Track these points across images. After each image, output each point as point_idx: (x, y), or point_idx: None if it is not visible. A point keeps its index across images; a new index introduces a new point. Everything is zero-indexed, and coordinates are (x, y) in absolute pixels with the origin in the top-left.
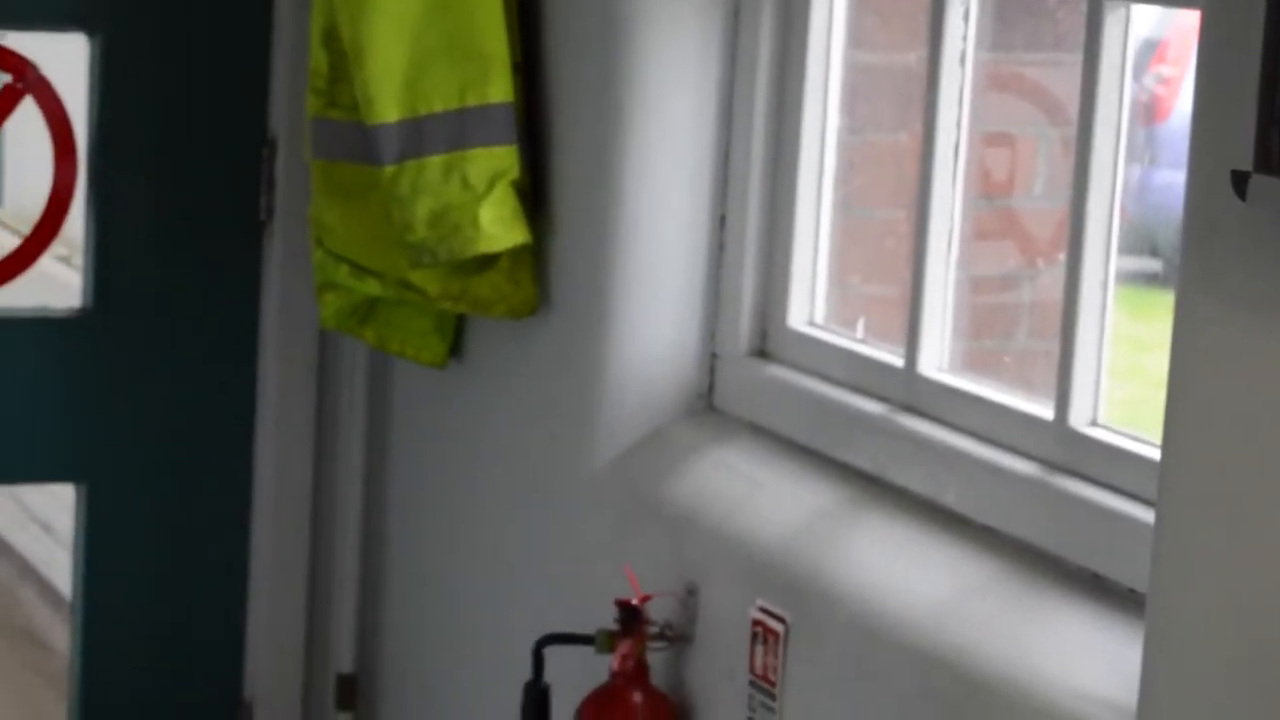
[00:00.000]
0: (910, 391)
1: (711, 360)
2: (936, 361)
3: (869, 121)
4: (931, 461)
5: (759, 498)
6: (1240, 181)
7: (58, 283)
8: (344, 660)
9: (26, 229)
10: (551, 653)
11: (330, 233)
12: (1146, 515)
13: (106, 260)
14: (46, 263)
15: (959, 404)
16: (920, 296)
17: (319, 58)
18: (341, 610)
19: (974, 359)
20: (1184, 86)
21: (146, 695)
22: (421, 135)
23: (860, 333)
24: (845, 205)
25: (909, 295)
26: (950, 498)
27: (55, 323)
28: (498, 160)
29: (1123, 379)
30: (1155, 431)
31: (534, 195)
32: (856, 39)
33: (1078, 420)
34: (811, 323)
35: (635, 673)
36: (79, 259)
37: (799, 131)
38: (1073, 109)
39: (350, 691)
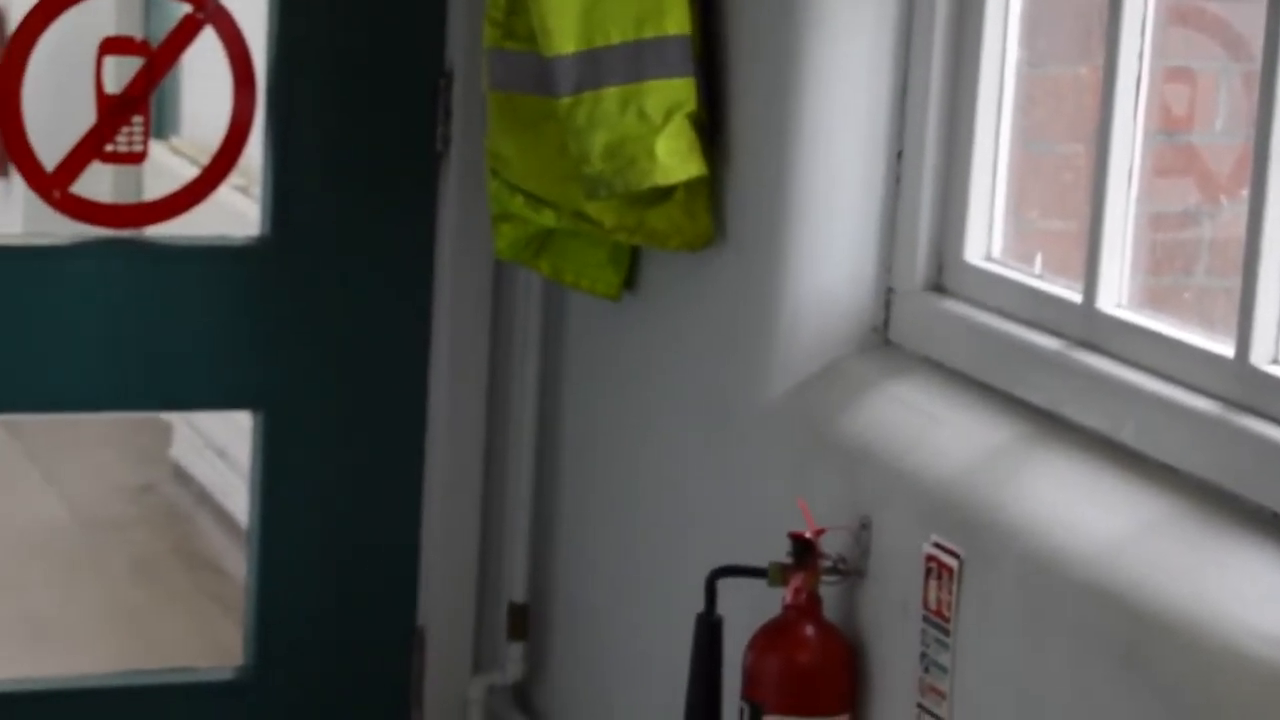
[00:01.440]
0: (1088, 327)
1: (887, 294)
2: (1115, 297)
3: (1048, 54)
4: (1109, 398)
5: (934, 433)
6: None
7: (235, 212)
8: (516, 590)
9: (204, 159)
10: (724, 585)
11: (506, 164)
12: None
13: (284, 190)
14: (224, 192)
15: (1137, 341)
16: (1099, 232)
17: None
18: (514, 540)
19: (1153, 295)
20: None
21: (320, 622)
22: (598, 67)
23: (1038, 268)
24: (1023, 139)
25: (1088, 230)
26: (1127, 435)
27: (233, 252)
28: (674, 92)
29: None
30: None
31: (710, 127)
32: None
33: (1258, 358)
34: (988, 257)
35: (808, 606)
36: (256, 189)
37: (978, 65)
38: (1255, 45)
39: (522, 621)
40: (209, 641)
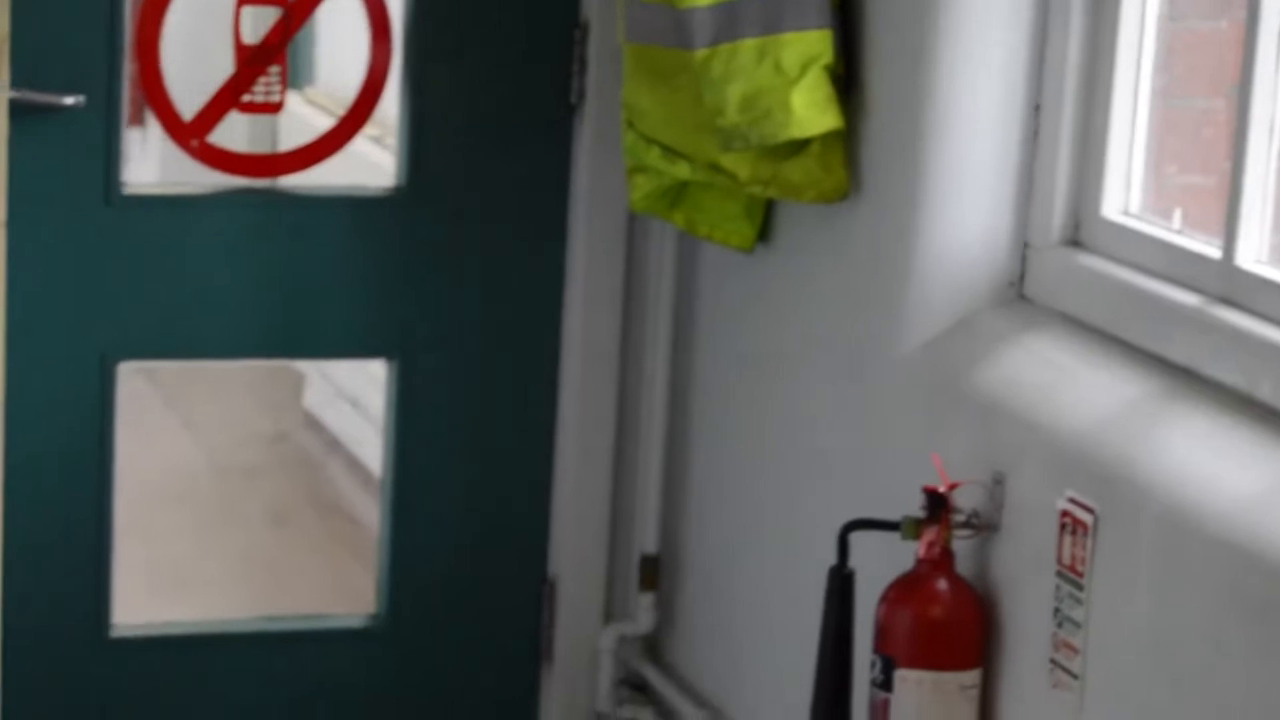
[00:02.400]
0: (1227, 284)
1: (1023, 249)
2: (1255, 253)
3: (1189, 8)
4: (1247, 355)
5: (1069, 388)
6: None
7: (370, 162)
8: (648, 541)
9: (340, 109)
10: (856, 538)
11: (642, 116)
12: None
13: (419, 141)
14: (359, 143)
15: (1277, 297)
16: (1239, 187)
17: None
18: (646, 491)
19: None
20: None
21: (452, 570)
22: (734, 19)
23: (1176, 223)
24: (1163, 93)
25: (1227, 186)
26: (1265, 392)
27: (368, 202)
28: (811, 45)
29: None
30: None
31: (846, 80)
32: None
33: None
34: (1126, 212)
35: (940, 560)
36: (391, 139)
37: (1117, 18)
38: None
39: (653, 572)
40: (341, 589)
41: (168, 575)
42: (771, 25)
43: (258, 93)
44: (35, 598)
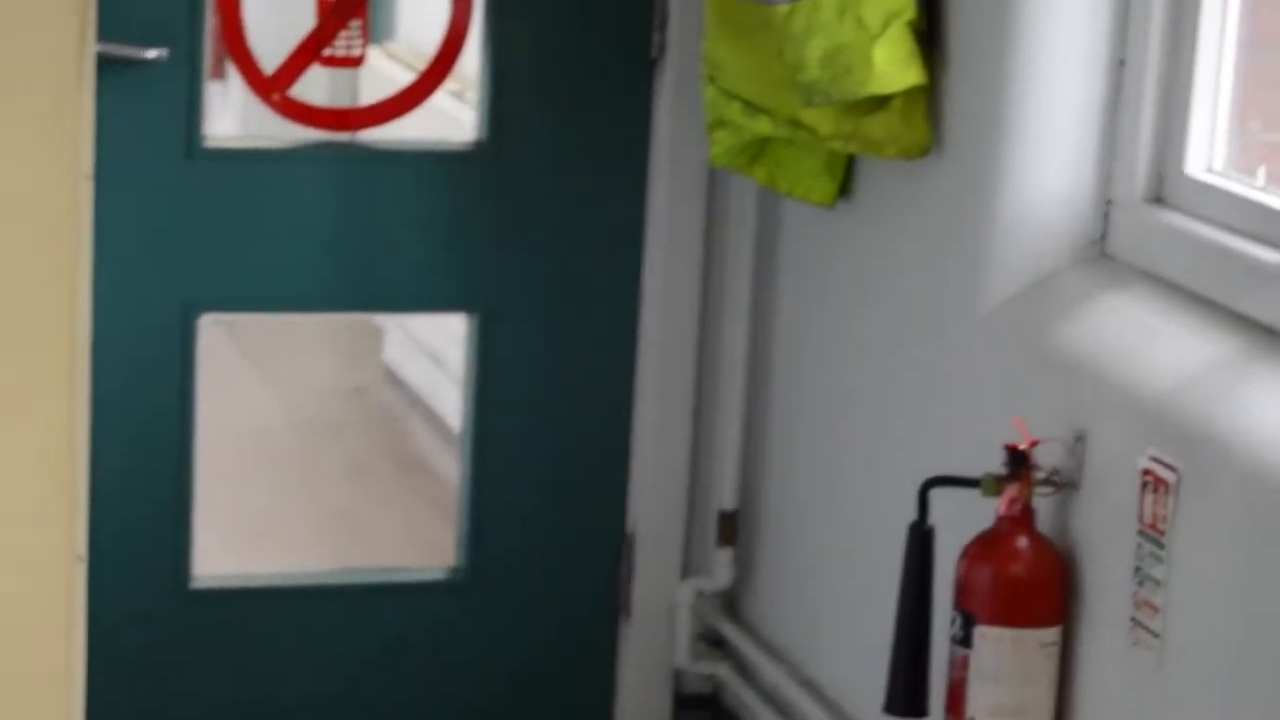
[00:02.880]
0: None
1: (1105, 206)
2: None
3: None
4: None
5: (1151, 346)
6: None
7: (450, 117)
8: (726, 497)
9: (420, 64)
10: (936, 495)
11: (723, 70)
12: None
13: (500, 96)
14: (440, 97)
15: None
16: None
17: None
18: (725, 447)
19: None
20: None
21: (531, 525)
22: None
23: (1261, 181)
24: (1248, 48)
25: None
26: None
27: (449, 156)
28: (893, 0)
29: None
30: None
31: (929, 35)
32: None
33: None
34: (1210, 169)
35: (1021, 518)
36: (472, 94)
37: None
38: None
39: (731, 528)
40: (420, 542)
41: (247, 528)
42: None
43: (339, 47)
44: (117, 549)
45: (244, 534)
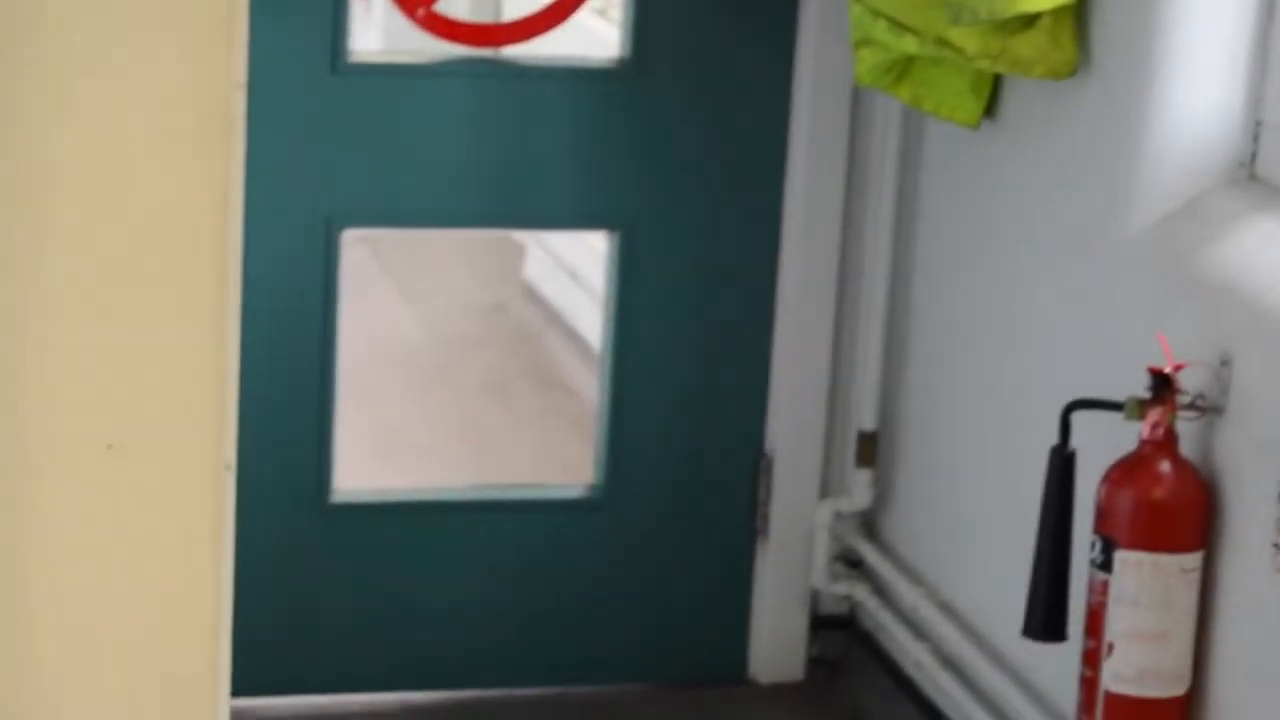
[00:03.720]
0: None
1: (1255, 128)
2: None
3: None
4: None
5: None
6: None
7: (594, 34)
8: (865, 417)
9: None
10: (1078, 418)
11: None
12: None
13: (644, 13)
14: (583, 14)
15: None
16: None
17: None
18: (865, 367)
19: None
20: None
21: (670, 443)
22: None
23: None
24: None
25: None
26: None
27: (592, 74)
28: None
29: None
30: None
31: None
32: None
33: None
34: None
35: (1164, 442)
36: (615, 12)
37: None
38: None
39: (870, 449)
40: (557, 460)
41: (386, 443)
42: None
43: None
44: (260, 462)
45: (382, 450)
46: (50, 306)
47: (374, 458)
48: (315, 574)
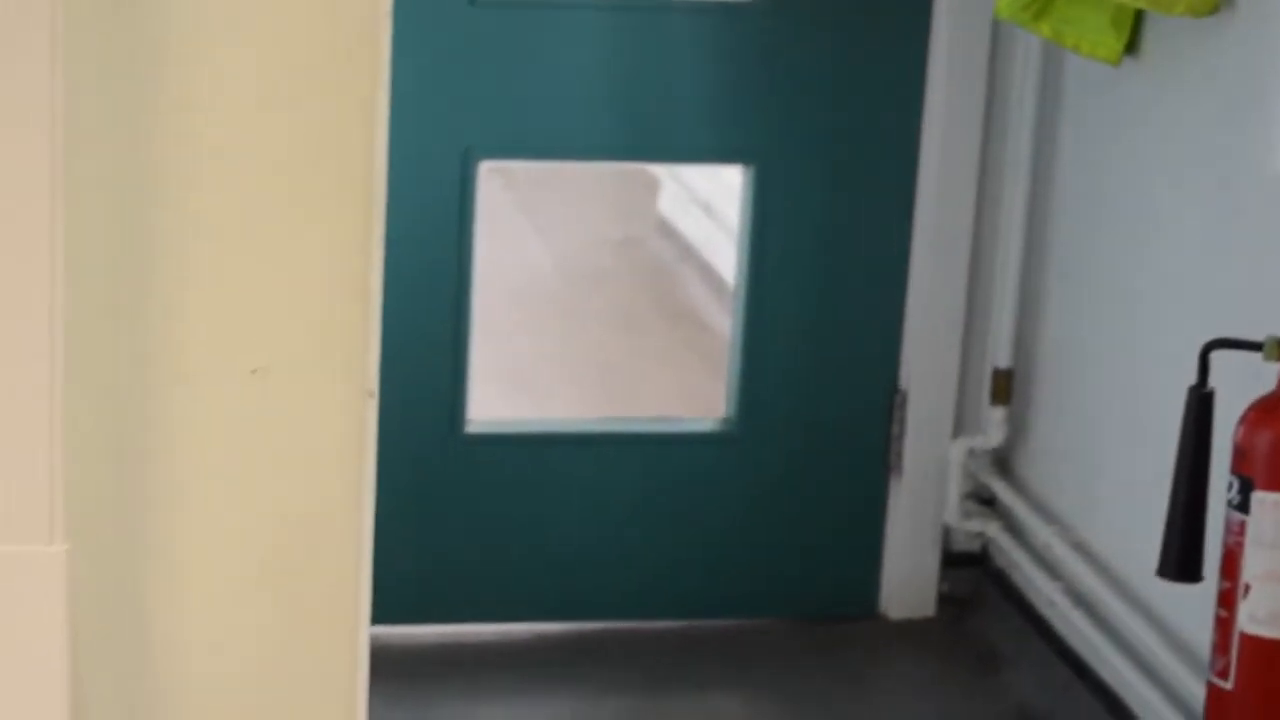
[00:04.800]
0: None
1: None
2: None
3: None
4: None
5: None
6: None
7: None
8: (1000, 354)
9: None
10: (1217, 357)
11: None
12: None
13: None
14: None
15: None
16: None
17: None
18: (1001, 304)
19: None
20: None
21: (803, 379)
22: None
23: None
24: None
25: None
26: None
27: (728, 7)
28: None
29: None
30: None
31: None
32: None
33: None
34: None
35: None
36: None
37: None
38: None
39: (1005, 386)
40: (689, 394)
41: (518, 376)
42: None
43: None
44: (396, 392)
45: (513, 380)
46: (195, 231)
47: (507, 390)
48: (448, 504)
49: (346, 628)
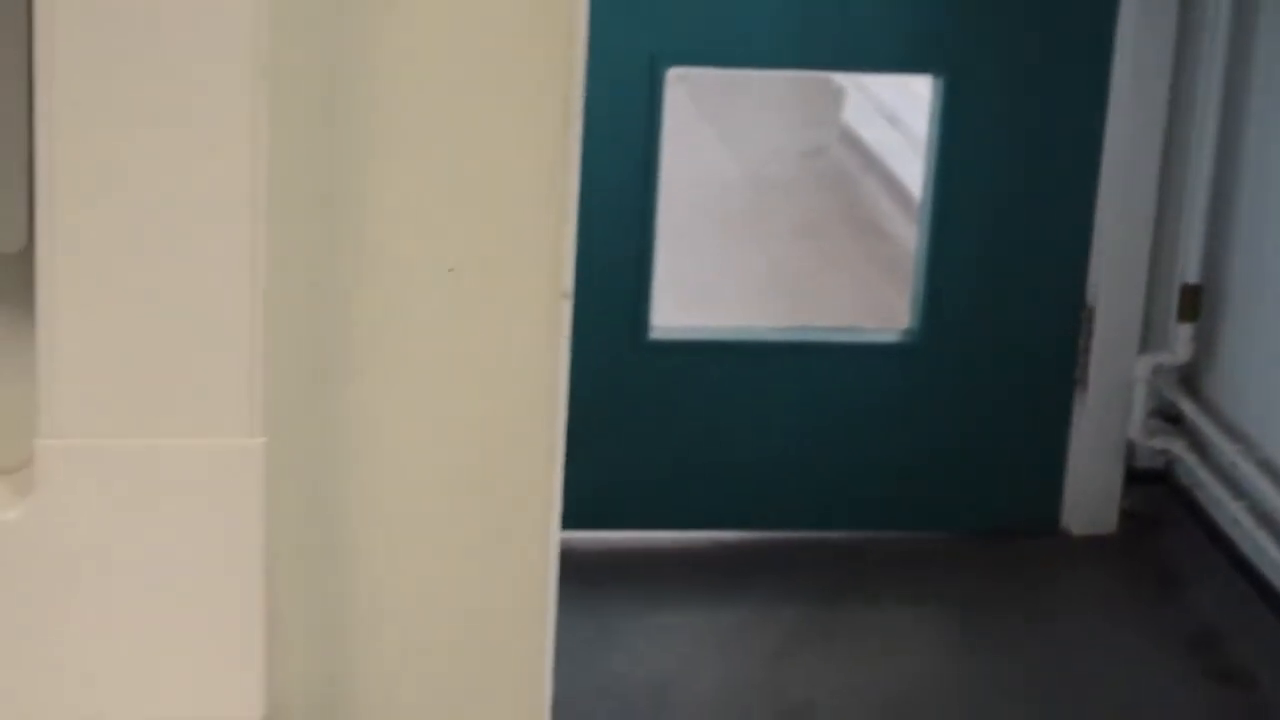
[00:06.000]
0: None
1: None
2: None
3: None
4: None
5: None
6: None
7: None
8: (1189, 270)
9: None
10: None
11: None
12: None
13: None
14: None
15: None
16: None
17: None
18: (1190, 220)
19: None
20: None
21: (988, 292)
22: None
23: None
24: None
25: None
26: None
27: None
28: None
29: None
30: None
31: None
32: None
33: None
34: None
35: None
36: None
37: None
38: None
39: (1193, 302)
40: (870, 304)
41: (701, 284)
42: None
43: None
44: (581, 295)
45: (699, 290)
46: (394, 130)
47: (691, 298)
48: (630, 411)
49: (539, 530)
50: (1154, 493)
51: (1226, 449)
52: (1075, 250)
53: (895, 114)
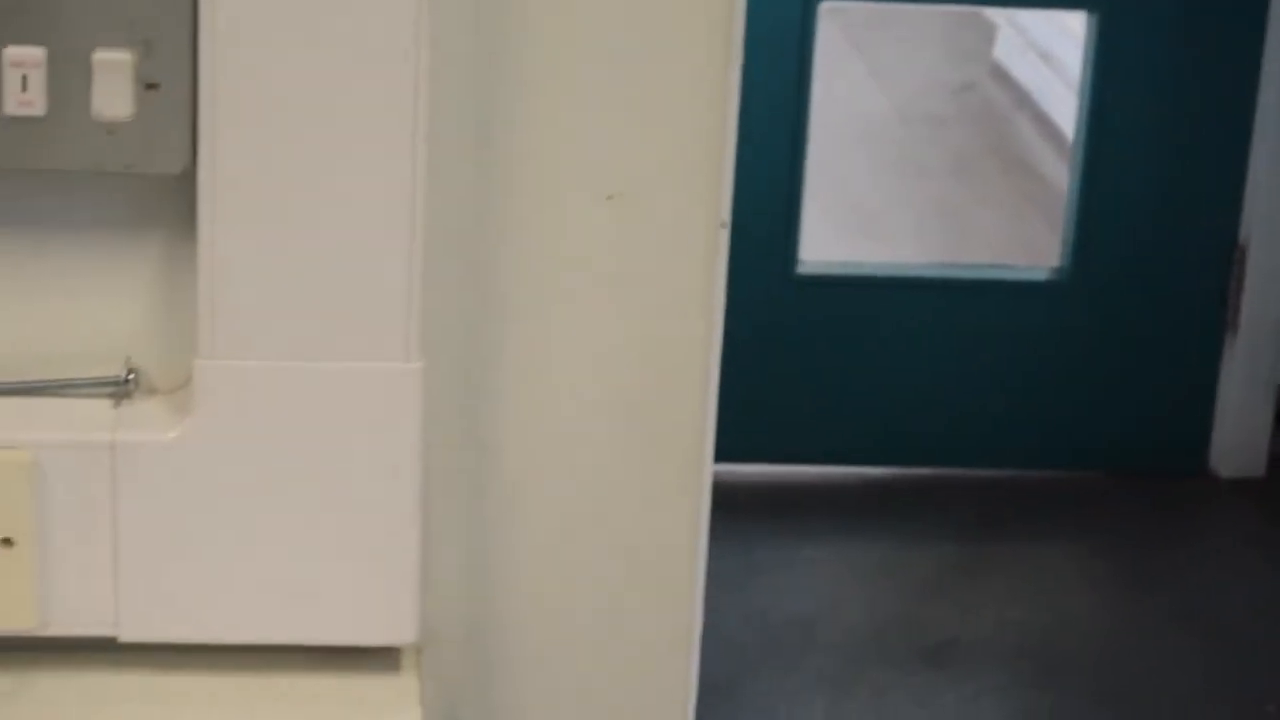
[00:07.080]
0: None
1: None
2: None
3: None
4: None
5: None
6: None
7: None
8: None
9: None
10: None
11: None
12: None
13: None
14: None
15: None
16: None
17: None
18: None
19: None
20: None
21: (1139, 231)
22: None
23: None
24: None
25: None
26: None
27: None
28: None
29: None
30: None
31: None
32: None
33: None
34: None
35: None
36: None
37: None
38: None
39: None
40: (1020, 241)
41: (852, 217)
42: None
43: None
44: (731, 231)
45: (850, 222)
46: (554, 60)
47: (840, 232)
48: (779, 344)
49: (693, 457)
50: None
51: None
52: (1229, 190)
53: (1048, 50)
